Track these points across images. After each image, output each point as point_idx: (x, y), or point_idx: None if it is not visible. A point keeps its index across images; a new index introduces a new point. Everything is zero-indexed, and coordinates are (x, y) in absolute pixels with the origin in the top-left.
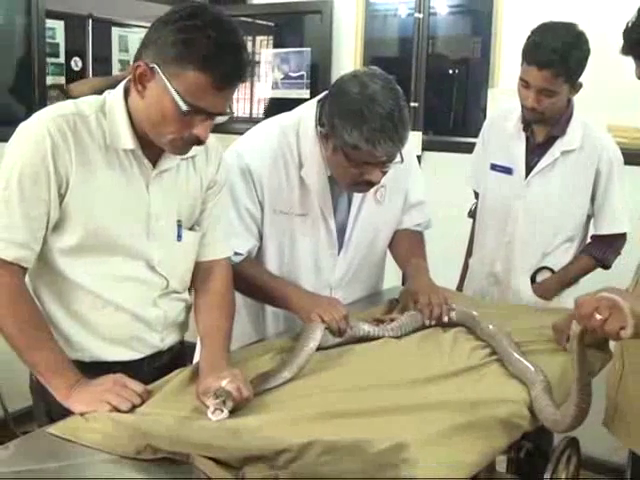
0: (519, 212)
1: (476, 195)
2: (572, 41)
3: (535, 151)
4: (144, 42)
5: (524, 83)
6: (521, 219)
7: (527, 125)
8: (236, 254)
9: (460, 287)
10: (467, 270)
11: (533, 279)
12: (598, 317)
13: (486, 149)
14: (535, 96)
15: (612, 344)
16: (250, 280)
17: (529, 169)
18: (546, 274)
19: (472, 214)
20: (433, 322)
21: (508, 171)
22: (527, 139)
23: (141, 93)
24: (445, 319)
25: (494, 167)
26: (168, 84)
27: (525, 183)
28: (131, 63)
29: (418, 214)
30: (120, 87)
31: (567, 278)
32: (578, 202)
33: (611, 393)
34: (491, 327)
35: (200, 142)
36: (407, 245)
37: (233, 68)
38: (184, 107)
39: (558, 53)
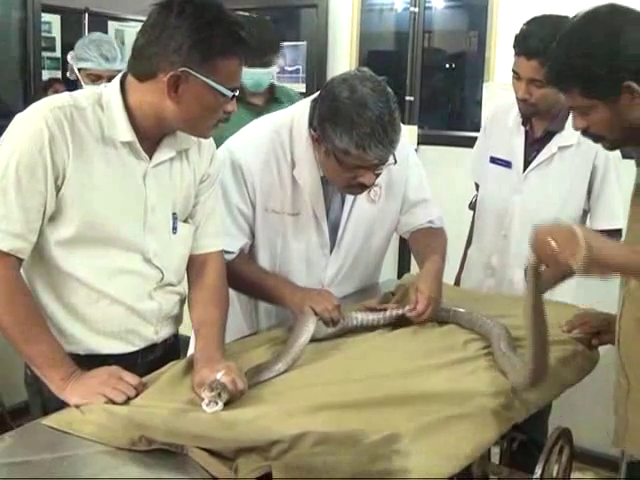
0: (516, 206)
1: (477, 187)
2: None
3: (534, 145)
4: (157, 52)
5: (515, 74)
6: (518, 213)
7: (526, 119)
8: (227, 252)
9: (459, 277)
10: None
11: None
12: (552, 244)
13: (487, 142)
14: (525, 87)
15: (610, 356)
16: (242, 277)
17: (527, 163)
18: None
19: (472, 206)
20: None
21: (507, 165)
22: (526, 133)
23: (176, 99)
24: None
25: (493, 160)
26: (208, 81)
27: (522, 177)
28: (127, 60)
29: (424, 212)
30: (116, 81)
31: None
32: (574, 197)
33: (620, 410)
34: (488, 322)
35: (230, 114)
36: (422, 245)
37: (246, 40)
38: (229, 93)
39: (545, 42)
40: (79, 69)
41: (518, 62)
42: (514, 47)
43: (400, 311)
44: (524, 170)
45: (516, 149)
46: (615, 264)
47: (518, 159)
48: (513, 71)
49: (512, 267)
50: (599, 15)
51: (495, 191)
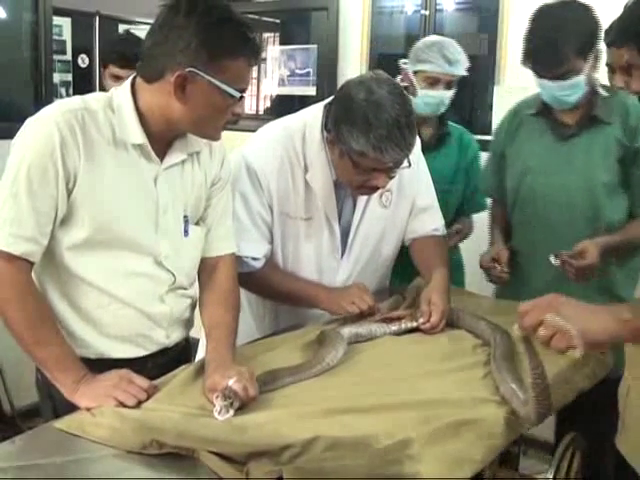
0: None
1: None
2: None
3: None
4: (165, 52)
5: (609, 68)
6: None
7: None
8: (254, 259)
9: None
10: None
11: None
12: (542, 333)
13: None
14: (620, 76)
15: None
16: (274, 285)
17: None
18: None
19: None
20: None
21: None
22: None
23: (183, 99)
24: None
25: None
26: (215, 81)
27: None
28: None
29: (430, 219)
30: (127, 83)
31: None
32: None
33: (621, 407)
34: (487, 329)
35: (239, 116)
36: (428, 254)
37: (254, 41)
38: (237, 94)
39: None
40: (414, 71)
41: (609, 54)
42: (604, 40)
43: (415, 323)
44: None
45: None
46: (609, 339)
47: None
48: (607, 65)
49: None
50: None
51: None
